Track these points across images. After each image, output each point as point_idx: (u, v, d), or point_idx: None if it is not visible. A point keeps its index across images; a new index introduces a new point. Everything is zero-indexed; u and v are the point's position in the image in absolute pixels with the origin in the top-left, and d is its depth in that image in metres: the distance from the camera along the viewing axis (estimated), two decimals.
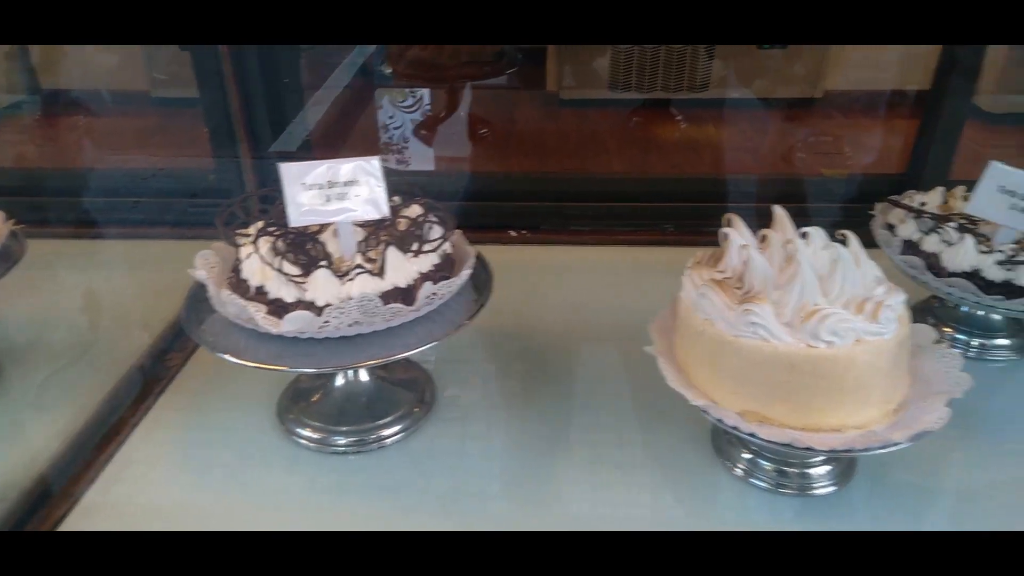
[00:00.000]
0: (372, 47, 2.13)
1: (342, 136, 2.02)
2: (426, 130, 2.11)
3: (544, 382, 1.03)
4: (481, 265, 0.95)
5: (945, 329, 1.11)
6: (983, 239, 1.00)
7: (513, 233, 1.46)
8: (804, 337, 0.73)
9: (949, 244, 1.00)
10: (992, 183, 0.99)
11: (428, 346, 0.81)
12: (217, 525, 0.82)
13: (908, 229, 1.06)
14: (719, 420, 0.76)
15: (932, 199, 1.12)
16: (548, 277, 1.32)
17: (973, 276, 0.98)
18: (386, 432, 0.92)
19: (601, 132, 3.11)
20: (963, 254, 0.99)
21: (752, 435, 0.75)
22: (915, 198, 1.12)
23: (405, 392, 0.97)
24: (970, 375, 0.80)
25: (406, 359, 1.03)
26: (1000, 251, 0.97)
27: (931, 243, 1.02)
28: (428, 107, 2.23)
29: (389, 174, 0.86)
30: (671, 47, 3.36)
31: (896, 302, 0.77)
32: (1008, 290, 0.96)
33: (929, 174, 1.39)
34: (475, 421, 0.97)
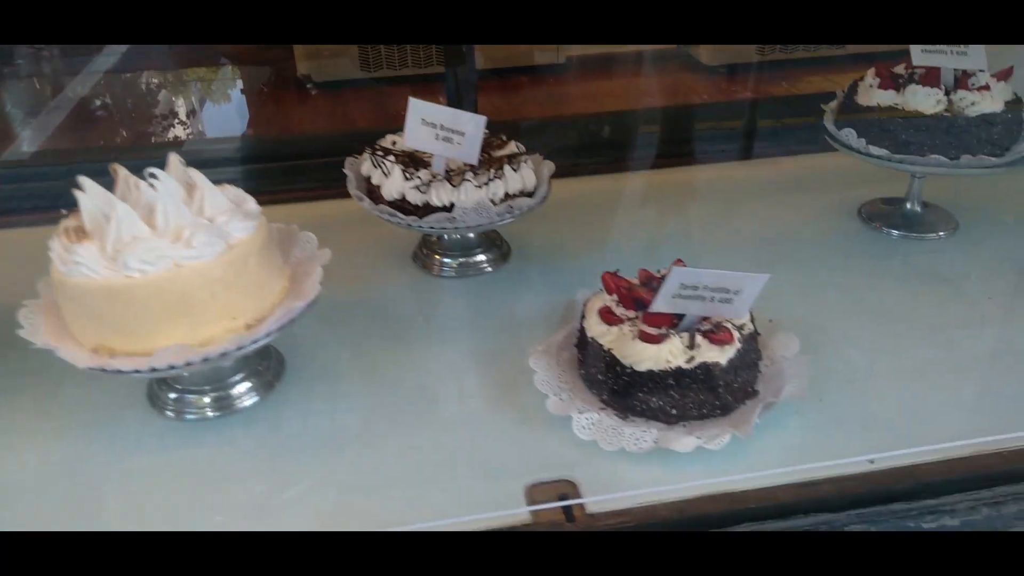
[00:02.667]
0: None
1: None
2: None
3: None
4: None
5: (436, 256, 1.23)
6: (419, 168, 1.11)
7: None
8: (120, 268, 0.78)
9: (387, 175, 1.11)
10: (415, 117, 1.10)
11: None
12: None
13: (366, 167, 1.16)
14: (70, 359, 0.81)
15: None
16: None
17: (403, 201, 1.09)
18: None
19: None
20: (393, 183, 1.09)
21: (96, 368, 0.80)
22: (389, 138, 1.22)
23: None
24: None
25: None
26: (419, 178, 1.08)
27: (377, 176, 1.12)
28: None
29: None
30: None
31: (237, 227, 0.84)
32: (426, 210, 1.08)
33: None
34: None
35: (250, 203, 0.91)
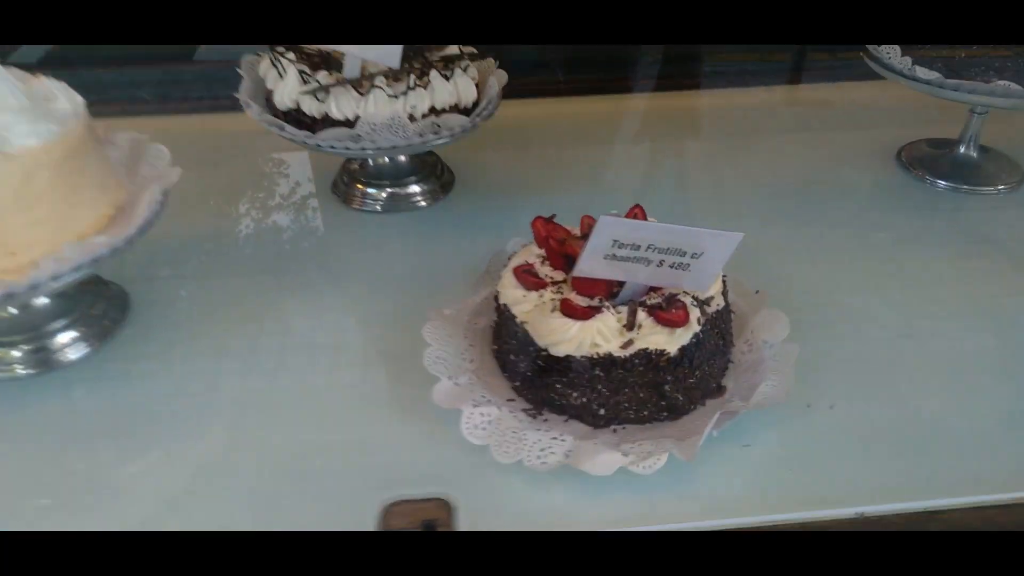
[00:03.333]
0: None
1: None
2: None
3: None
4: None
5: (357, 185, 0.99)
6: (330, 71, 0.87)
7: None
8: None
9: (282, 77, 0.87)
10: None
11: None
12: None
13: (264, 66, 0.92)
14: None
15: None
16: None
17: (299, 111, 0.86)
18: None
19: None
20: (287, 88, 0.85)
21: None
22: None
23: None
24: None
25: None
26: (317, 82, 0.84)
27: (272, 79, 0.88)
28: None
29: None
30: None
31: (22, 132, 0.62)
32: (326, 124, 0.84)
33: None
34: None
35: (61, 101, 0.68)
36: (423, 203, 0.99)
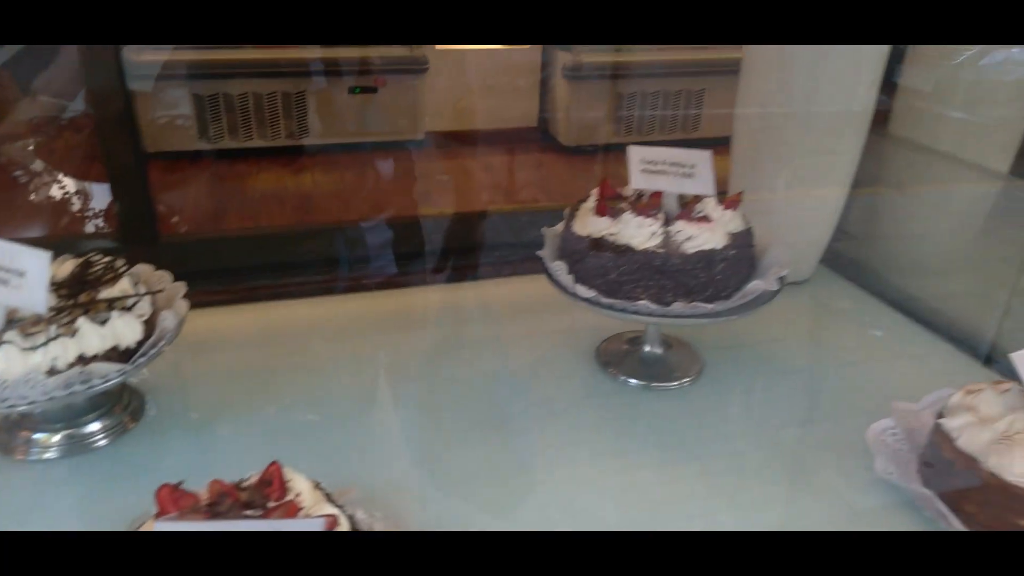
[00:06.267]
0: None
1: None
2: None
3: None
4: None
5: (21, 432, 0.90)
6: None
7: None
8: None
9: None
10: None
11: None
12: None
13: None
14: None
15: None
16: None
17: None
18: None
19: None
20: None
21: None
22: None
23: None
24: None
25: None
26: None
27: None
28: None
29: None
30: (260, 96, 3.24)
31: None
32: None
33: None
34: None
35: None
36: (103, 442, 0.92)
